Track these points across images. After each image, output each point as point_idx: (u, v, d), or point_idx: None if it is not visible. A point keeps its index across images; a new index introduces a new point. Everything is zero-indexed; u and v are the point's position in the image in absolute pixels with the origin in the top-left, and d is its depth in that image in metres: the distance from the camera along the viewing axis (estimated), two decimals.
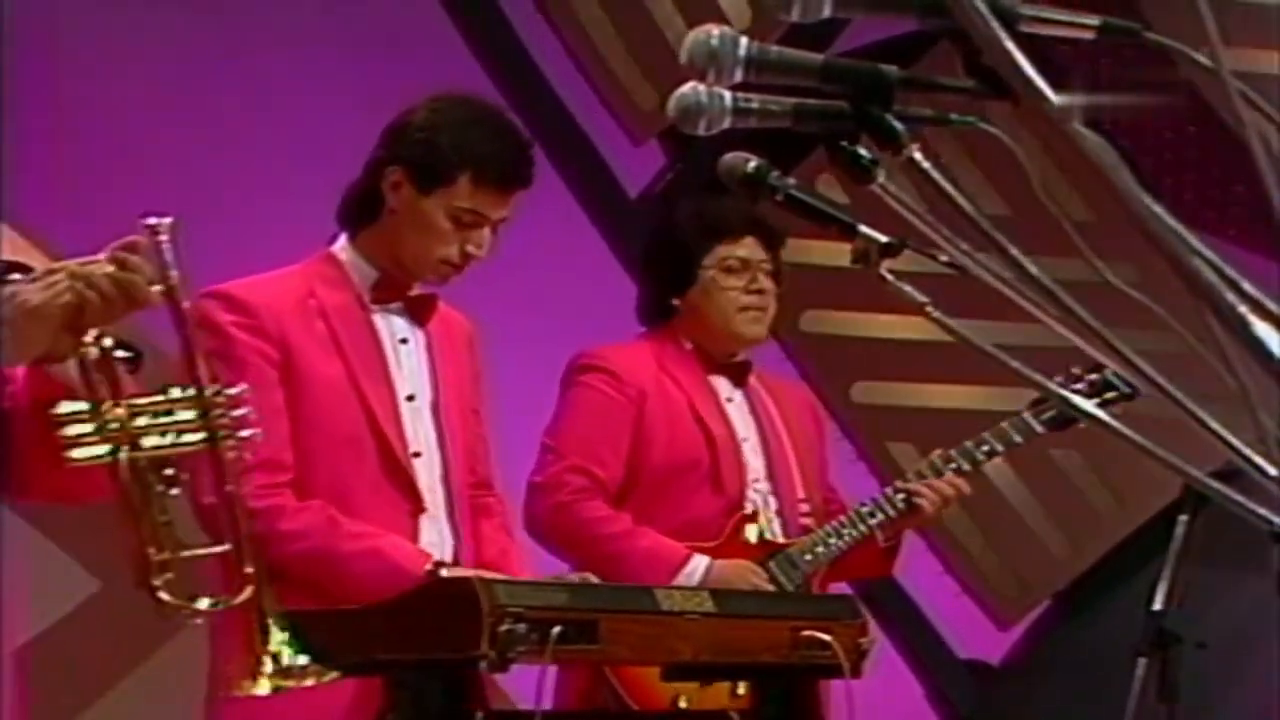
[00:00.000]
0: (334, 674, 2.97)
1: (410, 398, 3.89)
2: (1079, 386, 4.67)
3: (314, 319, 3.84)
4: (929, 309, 2.24)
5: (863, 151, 2.16)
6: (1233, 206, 6.68)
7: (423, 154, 3.84)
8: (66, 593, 5.39)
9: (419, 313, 3.95)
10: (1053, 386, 2.35)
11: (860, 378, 6.83)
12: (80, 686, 5.43)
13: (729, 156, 2.56)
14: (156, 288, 2.92)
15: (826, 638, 3.63)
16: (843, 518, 4.66)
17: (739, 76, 2.14)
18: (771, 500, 4.67)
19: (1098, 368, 4.62)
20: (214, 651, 3.81)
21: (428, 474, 3.88)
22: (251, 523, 2.99)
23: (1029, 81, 1.37)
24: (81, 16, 5.89)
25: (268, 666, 2.92)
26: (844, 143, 2.17)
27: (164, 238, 2.95)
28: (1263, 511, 1.71)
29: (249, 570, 2.94)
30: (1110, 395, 4.62)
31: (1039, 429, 4.73)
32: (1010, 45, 1.38)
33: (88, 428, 2.87)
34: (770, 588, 4.51)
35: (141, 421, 2.90)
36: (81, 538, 5.22)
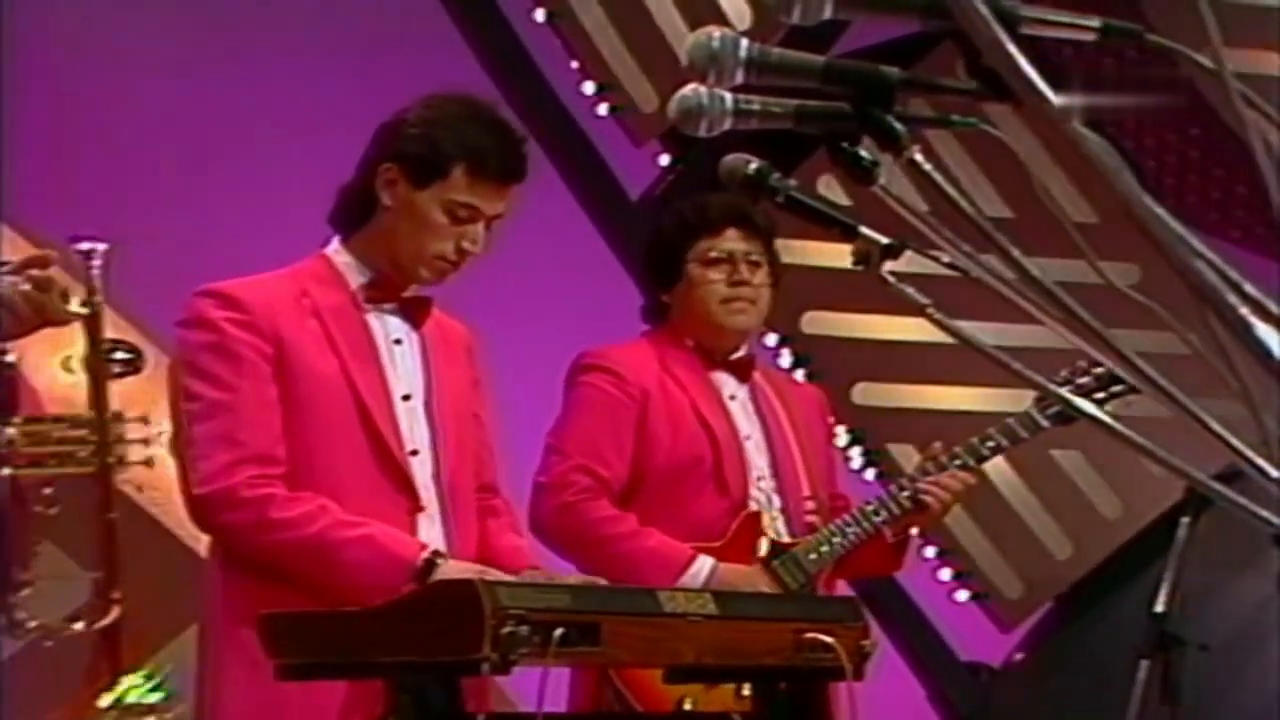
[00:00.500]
0: (181, 708, 2.98)
1: (406, 397, 3.89)
2: (1084, 381, 4.67)
3: (308, 318, 3.84)
4: (930, 310, 2.24)
5: (864, 153, 2.16)
6: (1235, 208, 6.68)
7: (417, 149, 3.84)
8: (67, 593, 5.38)
9: (414, 314, 3.94)
10: (1053, 388, 2.35)
11: (861, 379, 6.83)
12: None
13: (730, 158, 2.56)
14: (78, 309, 2.93)
15: (829, 640, 3.63)
16: (847, 516, 4.65)
17: (740, 78, 2.14)
18: (775, 498, 4.66)
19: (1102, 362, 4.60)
20: (201, 655, 3.81)
21: (423, 473, 3.87)
22: (118, 551, 3.00)
23: (1030, 83, 1.37)
24: (82, 17, 5.89)
25: (105, 701, 2.93)
26: (845, 144, 2.17)
27: (96, 263, 2.96)
28: (1264, 513, 1.70)
29: (115, 596, 2.94)
30: (1117, 388, 4.60)
31: (1044, 423, 4.72)
32: (1011, 47, 1.38)
33: None
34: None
35: (30, 442, 2.90)
36: (81, 538, 5.22)
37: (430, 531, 3.85)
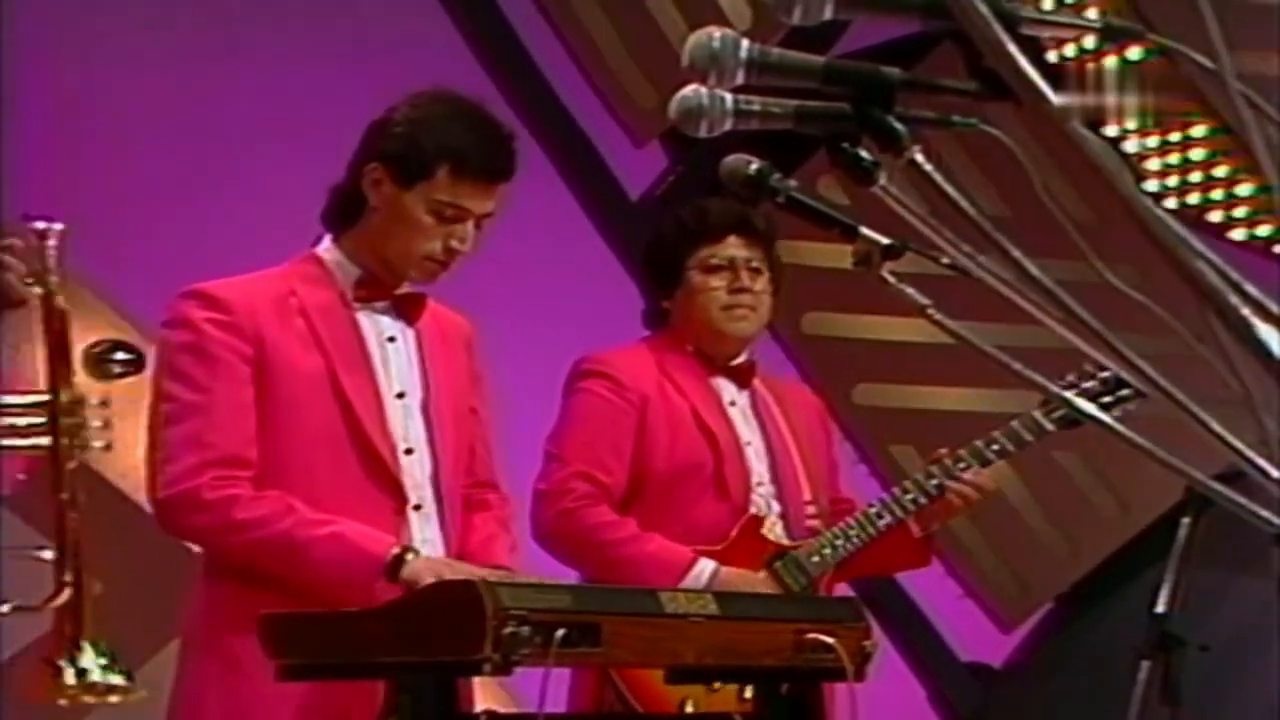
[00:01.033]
0: (141, 693, 3.00)
1: (400, 395, 3.88)
2: (1089, 385, 4.65)
3: (293, 316, 3.83)
4: (930, 311, 2.24)
5: (864, 153, 2.16)
6: (1236, 208, 6.68)
7: (402, 149, 3.84)
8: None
9: (407, 311, 3.93)
10: (1054, 388, 2.35)
11: (862, 380, 6.83)
12: None
13: (730, 159, 2.56)
14: (34, 289, 2.94)
15: (830, 640, 3.63)
16: (850, 519, 4.64)
17: (740, 78, 2.13)
18: (775, 503, 4.66)
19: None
20: (180, 654, 3.82)
21: (419, 471, 3.87)
22: (78, 532, 3.01)
23: (1031, 83, 1.37)
24: (82, 16, 5.89)
25: (68, 678, 2.94)
26: (845, 144, 2.17)
27: (51, 242, 2.97)
28: (1265, 514, 1.70)
29: (67, 578, 2.95)
30: (1123, 392, 4.59)
31: (1050, 427, 4.71)
32: (1012, 47, 1.38)
33: None
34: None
35: None
36: (81, 538, 5.21)
37: (426, 530, 3.84)
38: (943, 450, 4.70)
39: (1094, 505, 6.94)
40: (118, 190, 5.71)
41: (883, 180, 2.14)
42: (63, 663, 2.96)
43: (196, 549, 3.90)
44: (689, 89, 2.21)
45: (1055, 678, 6.88)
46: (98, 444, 2.97)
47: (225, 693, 3.69)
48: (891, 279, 2.33)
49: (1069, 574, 6.98)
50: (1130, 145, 6.62)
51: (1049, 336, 1.92)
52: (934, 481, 4.64)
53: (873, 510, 4.66)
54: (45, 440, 2.94)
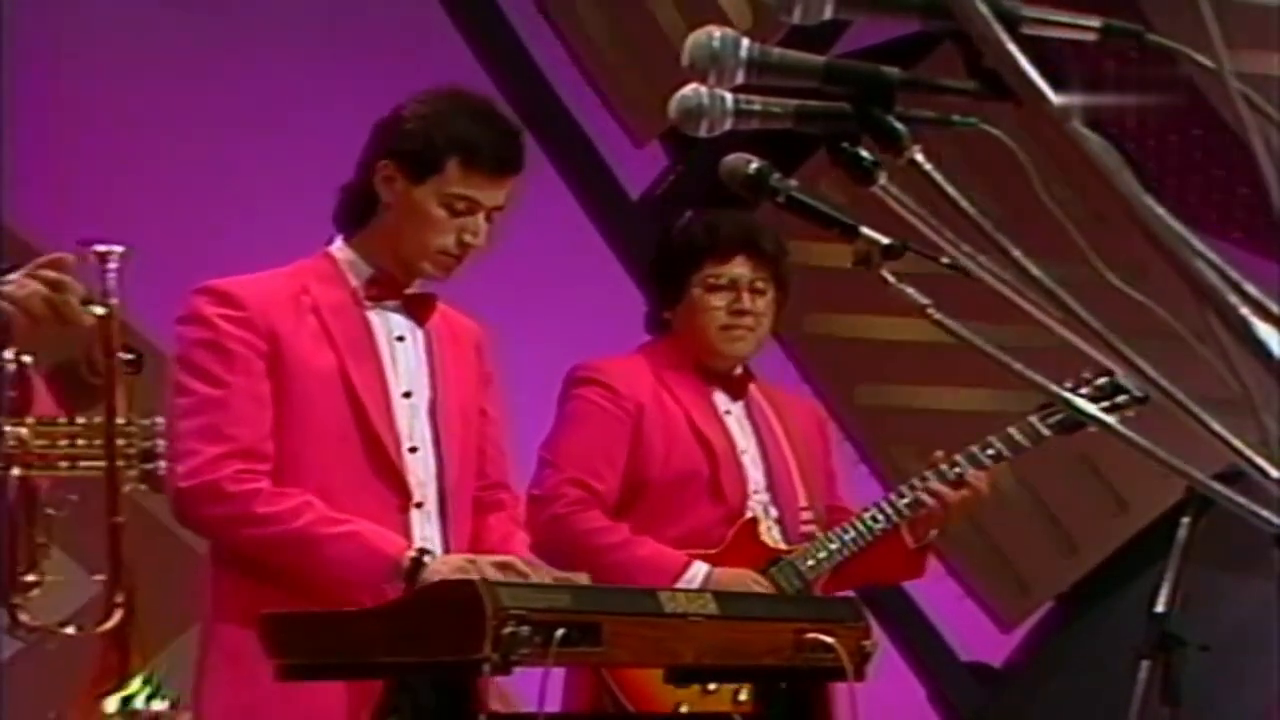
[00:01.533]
0: (185, 718, 2.99)
1: (407, 394, 3.89)
2: (1087, 390, 4.65)
3: (306, 314, 3.86)
4: (931, 311, 2.24)
5: (864, 153, 2.16)
6: (1236, 208, 6.68)
7: (412, 144, 3.87)
8: (67, 594, 5.38)
9: (417, 311, 3.95)
10: (1054, 389, 2.35)
11: (863, 380, 6.82)
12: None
13: (731, 158, 2.56)
14: (97, 310, 2.94)
15: (829, 640, 3.63)
16: (845, 524, 4.65)
17: (740, 78, 2.13)
18: (771, 510, 4.66)
19: (1108, 371, 4.59)
20: (201, 661, 3.81)
21: (424, 470, 3.88)
22: (123, 555, 3.00)
23: (1031, 83, 1.37)
24: (82, 17, 5.89)
25: (112, 705, 2.94)
26: (846, 144, 2.17)
27: (112, 265, 2.97)
28: (1265, 513, 1.70)
29: (119, 600, 2.95)
30: (1121, 400, 4.60)
31: (1045, 432, 4.71)
32: (1012, 47, 1.38)
33: None
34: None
35: (42, 443, 2.91)
36: (82, 539, 5.22)
37: (426, 528, 3.86)
38: (938, 454, 4.70)
39: (1094, 505, 6.94)
40: (116, 191, 5.71)
41: (883, 180, 2.14)
42: (109, 694, 2.97)
43: (200, 547, 3.91)
44: (689, 89, 2.21)
45: (1055, 678, 6.88)
46: (150, 466, 2.98)
47: (236, 689, 3.69)
48: (891, 279, 2.33)
49: (1069, 574, 6.98)
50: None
51: (1049, 336, 1.92)
52: (930, 485, 4.64)
53: (868, 515, 4.66)
54: (101, 463, 2.93)
